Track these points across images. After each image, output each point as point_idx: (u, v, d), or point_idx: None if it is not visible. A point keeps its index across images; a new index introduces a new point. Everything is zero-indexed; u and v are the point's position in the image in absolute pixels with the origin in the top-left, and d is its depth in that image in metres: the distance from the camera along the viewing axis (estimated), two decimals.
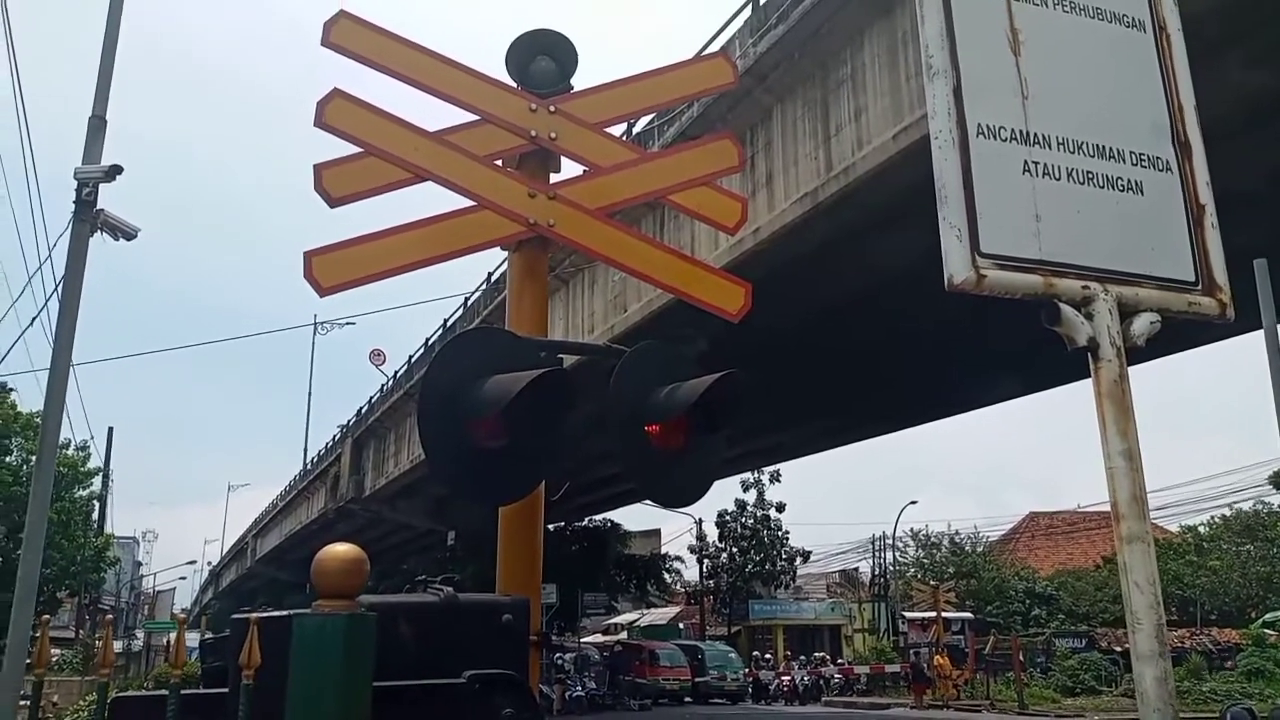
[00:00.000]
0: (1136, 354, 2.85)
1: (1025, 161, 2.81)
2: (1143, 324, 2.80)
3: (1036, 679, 31.07)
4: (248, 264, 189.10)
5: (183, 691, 2.84)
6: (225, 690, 2.82)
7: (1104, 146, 2.92)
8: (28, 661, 8.49)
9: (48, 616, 2.90)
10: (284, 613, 2.68)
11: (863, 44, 15.09)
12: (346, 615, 2.40)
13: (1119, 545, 2.63)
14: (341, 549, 2.49)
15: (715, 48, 16.76)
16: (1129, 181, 2.93)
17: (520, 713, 3.12)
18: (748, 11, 17.25)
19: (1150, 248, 2.92)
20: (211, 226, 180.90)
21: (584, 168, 4.94)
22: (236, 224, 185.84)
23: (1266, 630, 30.57)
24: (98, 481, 33.59)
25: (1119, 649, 30.51)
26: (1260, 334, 11.03)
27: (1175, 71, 3.09)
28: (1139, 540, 2.60)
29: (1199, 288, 2.95)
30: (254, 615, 2.53)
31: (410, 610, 3.24)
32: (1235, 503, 41.42)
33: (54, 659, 23.68)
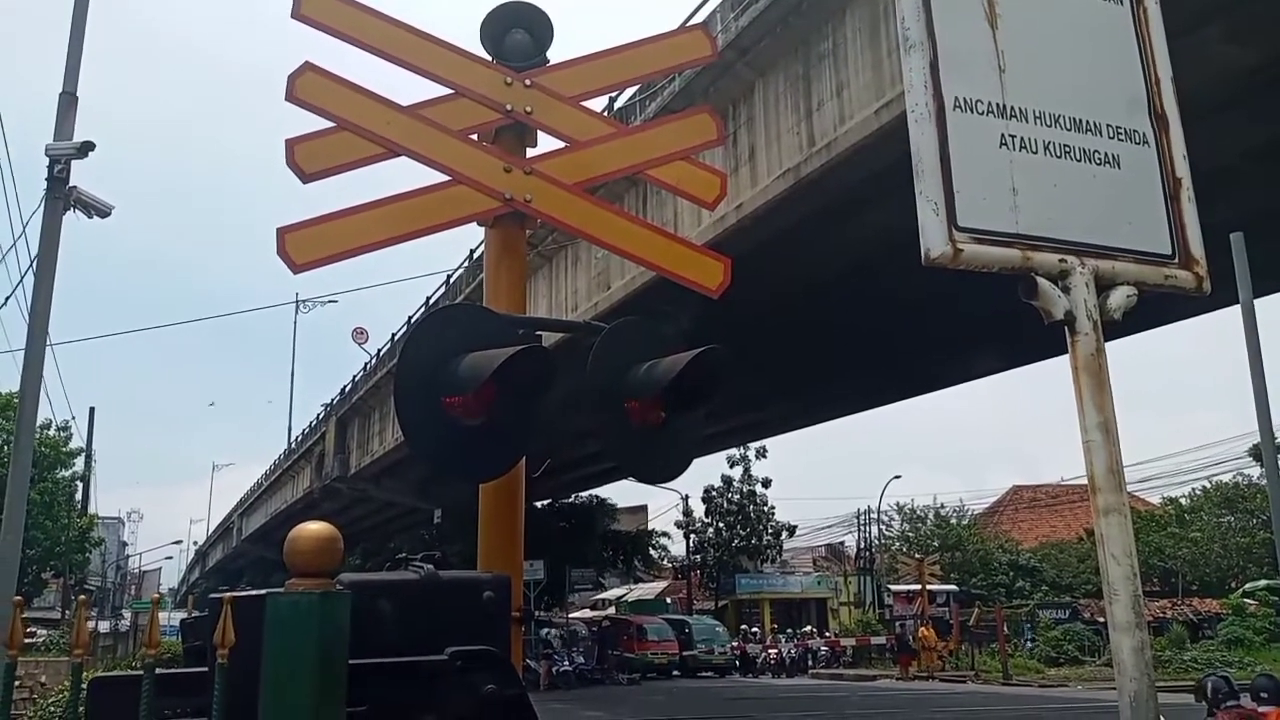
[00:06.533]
0: (1114, 328, 2.85)
1: (1002, 135, 2.79)
2: (1119, 297, 2.80)
3: (1021, 650, 31.43)
4: (231, 242, 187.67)
5: (162, 671, 2.83)
6: (204, 669, 2.81)
7: (1081, 120, 2.90)
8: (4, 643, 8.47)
9: (20, 598, 2.87)
10: (258, 591, 2.66)
11: (844, 18, 15.02)
12: (320, 593, 2.39)
13: (1096, 517, 2.64)
14: (314, 527, 2.47)
15: (697, 21, 16.63)
16: (1106, 155, 2.91)
17: (502, 688, 3.12)
18: None
19: (1127, 221, 2.91)
20: (191, 204, 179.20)
21: (561, 142, 4.88)
22: (219, 202, 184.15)
23: (1246, 600, 31.01)
24: (80, 462, 33.49)
25: (1102, 619, 30.78)
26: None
27: (1152, 44, 3.07)
28: (1115, 512, 2.60)
29: (1176, 261, 2.94)
30: (228, 595, 2.52)
31: (390, 588, 3.23)
32: (1216, 475, 41.84)
33: (41, 639, 23.59)
